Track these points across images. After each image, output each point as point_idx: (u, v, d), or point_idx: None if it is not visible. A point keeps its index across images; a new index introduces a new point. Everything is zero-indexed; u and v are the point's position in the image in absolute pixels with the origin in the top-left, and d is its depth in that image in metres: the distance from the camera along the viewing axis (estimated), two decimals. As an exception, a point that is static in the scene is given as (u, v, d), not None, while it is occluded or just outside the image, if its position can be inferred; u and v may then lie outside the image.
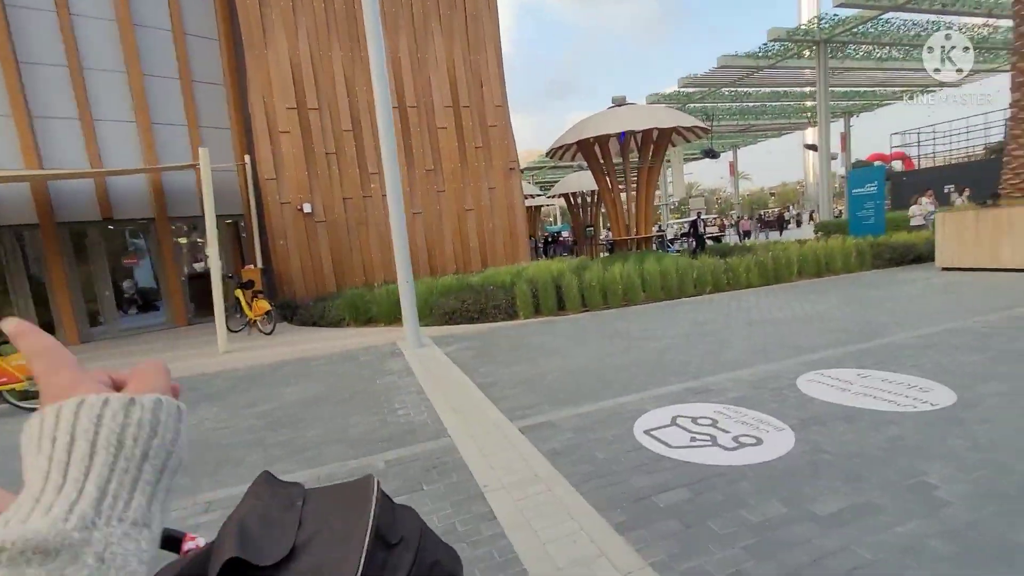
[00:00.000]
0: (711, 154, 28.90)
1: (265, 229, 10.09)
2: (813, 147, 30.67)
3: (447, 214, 11.29)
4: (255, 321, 8.43)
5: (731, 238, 29.20)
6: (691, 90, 23.69)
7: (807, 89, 25.78)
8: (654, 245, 21.69)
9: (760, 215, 39.26)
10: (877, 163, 42.47)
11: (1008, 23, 19.09)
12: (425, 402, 4.33)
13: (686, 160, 40.01)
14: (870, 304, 6.86)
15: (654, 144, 14.69)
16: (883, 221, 12.06)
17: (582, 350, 5.68)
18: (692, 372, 4.47)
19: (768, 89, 25.26)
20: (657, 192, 34.58)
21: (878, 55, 21.58)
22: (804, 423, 3.22)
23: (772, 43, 18.70)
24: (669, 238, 25.36)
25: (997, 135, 26.26)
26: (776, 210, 39.17)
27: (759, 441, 3.05)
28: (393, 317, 8.14)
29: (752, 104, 27.72)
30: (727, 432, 3.21)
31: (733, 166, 38.94)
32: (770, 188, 79.05)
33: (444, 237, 11.29)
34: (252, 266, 10.02)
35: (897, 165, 40.76)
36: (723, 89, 23.95)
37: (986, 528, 2.07)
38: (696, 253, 15.98)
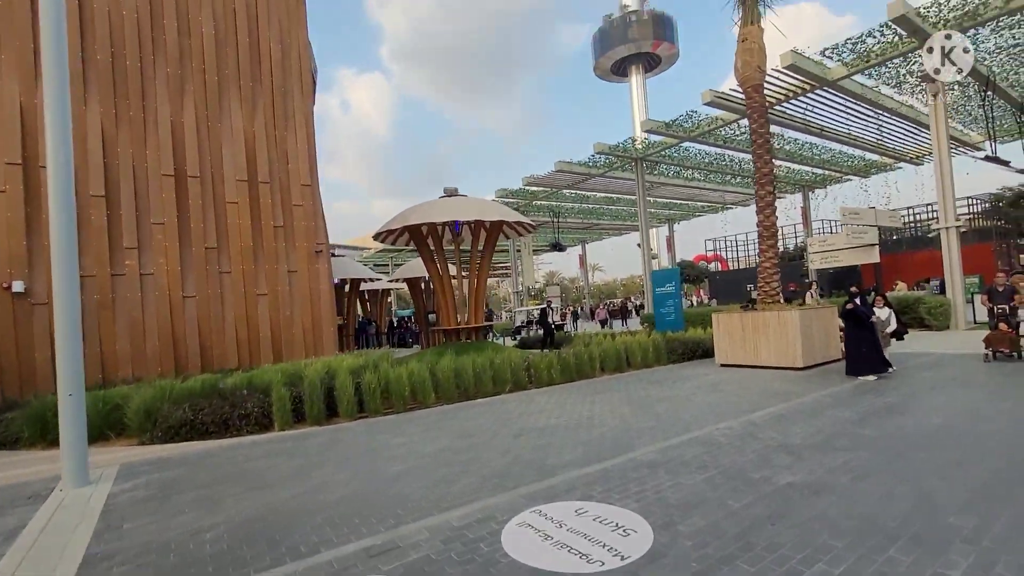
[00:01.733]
0: (558, 247, 31.01)
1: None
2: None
3: (232, 299, 9.73)
4: None
5: (589, 325, 30.68)
6: (536, 188, 25.52)
7: (633, 197, 29.46)
8: (491, 334, 21.52)
9: (607, 304, 42.50)
10: (701, 263, 49.69)
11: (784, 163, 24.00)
12: (-35, 601, 2.82)
13: (540, 252, 42.72)
14: (644, 405, 6.83)
15: (486, 235, 14.92)
16: (682, 318, 13.17)
17: (302, 480, 4.56)
18: (399, 515, 3.61)
19: (602, 194, 28.25)
20: (507, 280, 35.52)
21: (684, 175, 25.53)
22: (465, 605, 2.46)
23: (598, 155, 21.05)
24: (517, 325, 25.74)
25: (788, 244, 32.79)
26: (620, 300, 42.66)
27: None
28: (100, 433, 6.24)
29: (592, 205, 30.74)
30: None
31: (583, 259, 42.24)
32: (621, 279, 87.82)
33: (225, 326, 9.61)
34: None
35: (714, 266, 48.04)
36: (564, 190, 26.20)
37: None
38: (546, 343, 16.01)
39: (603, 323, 29.39)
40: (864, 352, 7.79)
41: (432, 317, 20.70)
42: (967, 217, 32.82)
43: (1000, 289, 8.62)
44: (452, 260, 15.47)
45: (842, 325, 9.98)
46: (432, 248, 14.18)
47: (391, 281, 23.65)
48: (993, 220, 31.75)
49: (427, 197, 15.11)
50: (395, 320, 27.51)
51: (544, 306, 16.40)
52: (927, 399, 6.16)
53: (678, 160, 22.83)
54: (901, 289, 16.75)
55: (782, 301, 10.16)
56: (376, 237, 14.16)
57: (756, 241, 35.59)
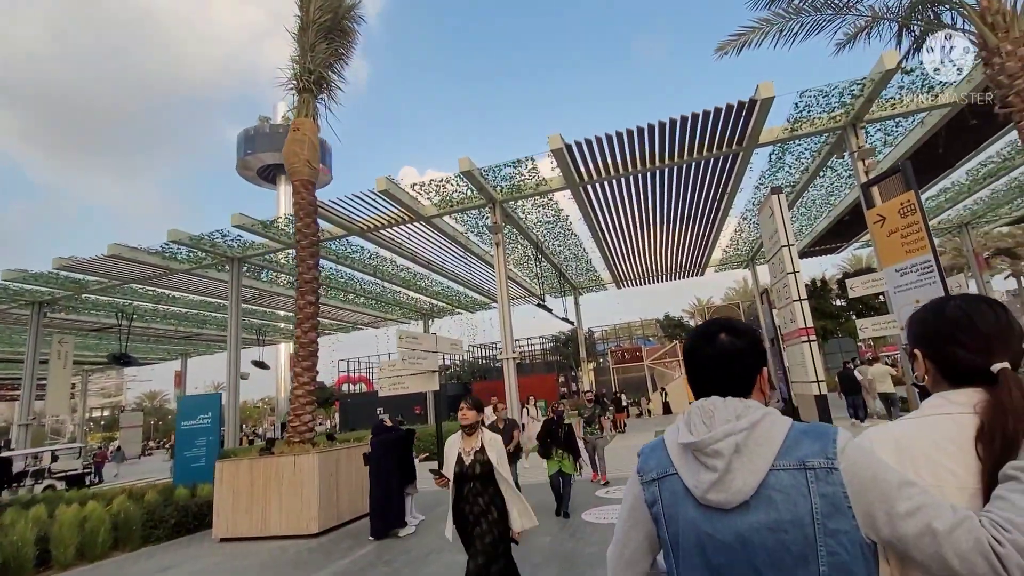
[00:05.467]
0: (123, 360, 22.89)
1: None
2: (262, 364, 29.76)
3: None
4: None
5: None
6: (85, 277, 18.31)
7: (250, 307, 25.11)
8: None
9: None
10: (344, 385, 46.78)
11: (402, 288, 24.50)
12: None
13: (93, 366, 31.72)
14: None
15: None
16: (213, 465, 9.57)
17: None
18: None
19: (201, 297, 22.90)
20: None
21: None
22: None
23: (172, 244, 16.58)
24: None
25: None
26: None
27: None
28: None
29: (185, 309, 24.61)
30: None
31: (180, 375, 33.42)
32: (256, 401, 75.74)
33: None
34: None
35: (359, 388, 46.04)
36: (135, 285, 19.78)
37: None
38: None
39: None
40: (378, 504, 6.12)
41: None
42: (540, 351, 42.05)
43: (501, 426, 6.92)
44: None
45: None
46: None
47: None
48: (556, 356, 41.44)
49: None
50: None
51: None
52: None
53: (289, 269, 20.53)
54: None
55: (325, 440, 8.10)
56: None
57: (412, 360, 34.47)
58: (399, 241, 18.98)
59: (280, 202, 49.23)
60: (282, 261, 19.89)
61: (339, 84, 9.27)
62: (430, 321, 32.30)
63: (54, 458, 15.96)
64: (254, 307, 25.40)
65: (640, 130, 12.89)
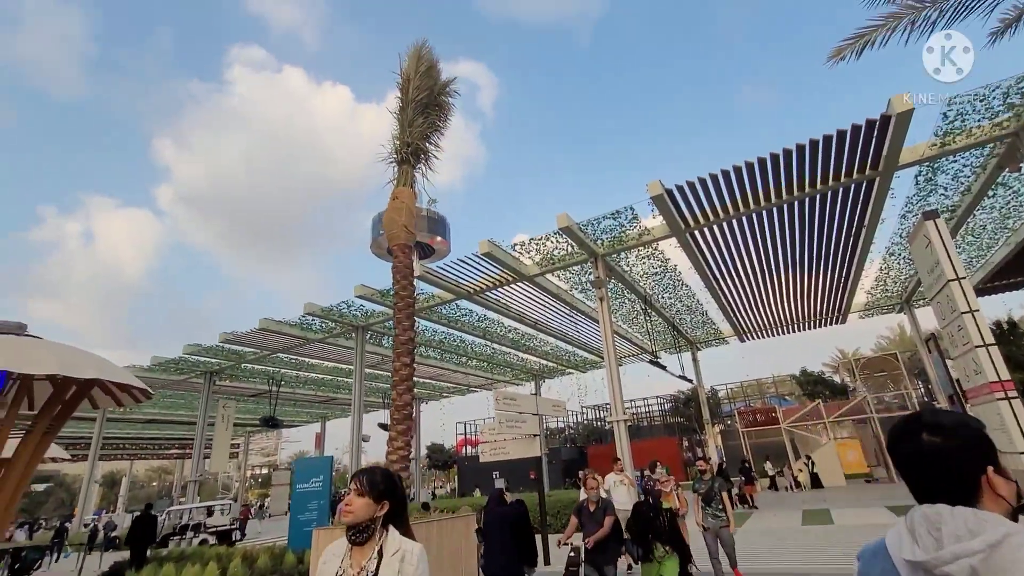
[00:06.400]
0: (271, 423, 25.61)
1: None
2: (386, 427, 31.27)
3: None
4: None
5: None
6: (245, 349, 21.20)
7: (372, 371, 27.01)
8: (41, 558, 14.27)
9: (340, 493, 35.89)
10: (465, 448, 47.54)
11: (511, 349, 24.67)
12: None
13: (247, 427, 35.63)
14: None
15: (55, 399, 10.09)
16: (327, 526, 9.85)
17: None
18: None
19: (333, 363, 25.20)
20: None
21: (418, 351, 24.53)
22: None
23: (308, 316, 18.58)
24: (165, 533, 18.25)
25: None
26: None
27: None
28: None
29: (321, 376, 27.16)
30: None
31: (320, 437, 36.43)
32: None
33: None
34: None
35: (479, 451, 46.41)
36: (281, 354, 22.41)
37: None
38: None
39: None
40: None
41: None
42: (659, 412, 38.95)
43: (592, 508, 5.30)
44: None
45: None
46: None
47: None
48: (676, 418, 38.01)
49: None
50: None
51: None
52: None
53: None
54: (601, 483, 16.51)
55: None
56: None
57: (510, 423, 34.23)
58: (505, 302, 19.26)
59: (403, 274, 53.99)
60: (399, 327, 21.16)
61: (435, 153, 9.94)
62: (541, 382, 31.88)
63: (209, 513, 17.86)
64: (379, 372, 27.14)
65: (750, 165, 11.83)
